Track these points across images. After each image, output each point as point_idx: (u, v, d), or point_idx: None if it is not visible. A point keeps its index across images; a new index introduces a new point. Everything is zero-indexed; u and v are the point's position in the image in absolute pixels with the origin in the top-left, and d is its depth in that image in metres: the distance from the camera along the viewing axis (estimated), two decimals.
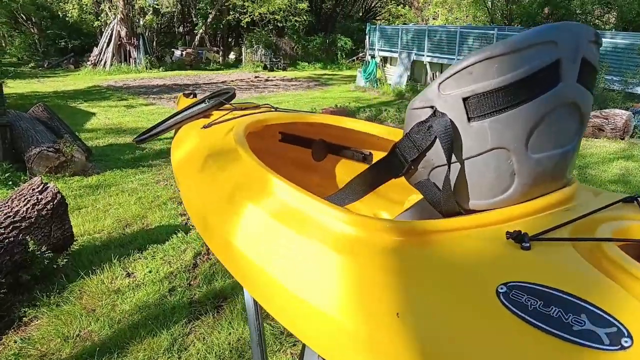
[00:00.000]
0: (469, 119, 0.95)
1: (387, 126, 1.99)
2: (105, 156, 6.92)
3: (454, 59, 14.06)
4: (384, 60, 17.69)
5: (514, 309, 0.72)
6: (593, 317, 0.68)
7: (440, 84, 0.97)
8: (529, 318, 0.70)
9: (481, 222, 0.94)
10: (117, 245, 3.83)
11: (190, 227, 4.27)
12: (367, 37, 18.70)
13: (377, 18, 32.94)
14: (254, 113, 1.99)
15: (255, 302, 1.66)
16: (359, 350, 0.83)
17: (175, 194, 5.19)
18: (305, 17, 25.30)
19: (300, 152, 2.20)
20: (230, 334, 2.72)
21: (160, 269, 3.46)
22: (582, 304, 0.70)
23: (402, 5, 29.91)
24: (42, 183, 3.44)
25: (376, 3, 34.51)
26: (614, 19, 17.67)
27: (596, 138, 7.89)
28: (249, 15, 24.26)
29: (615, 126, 7.73)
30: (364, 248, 0.94)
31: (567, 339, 0.66)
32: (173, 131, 2.22)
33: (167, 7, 22.66)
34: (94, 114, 10.83)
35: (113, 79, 18.49)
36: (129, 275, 3.37)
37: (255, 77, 21.60)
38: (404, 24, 25.38)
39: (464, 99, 0.95)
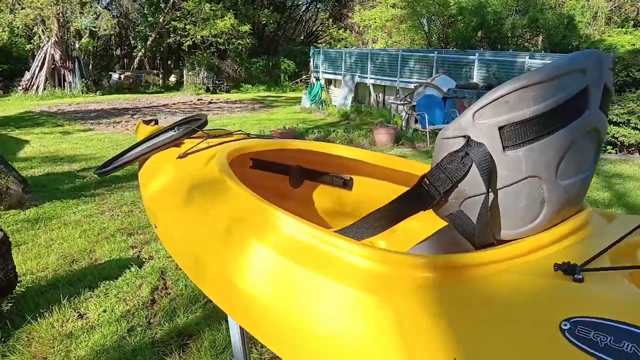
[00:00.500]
0: (503, 148, 0.92)
1: (366, 150, 1.94)
2: (43, 187, 6.49)
3: (396, 80, 14.43)
4: (328, 82, 17.91)
5: (584, 347, 0.67)
6: None
7: (475, 112, 0.93)
8: (602, 356, 0.66)
9: (515, 253, 0.90)
10: (65, 284, 3.54)
11: (143, 260, 4.04)
12: (311, 59, 18.91)
13: (319, 41, 33.48)
14: (230, 140, 1.88)
15: (244, 345, 1.53)
16: None
17: (124, 225, 4.91)
18: (248, 40, 25.30)
19: (275, 179, 2.10)
20: None
21: (115, 307, 3.21)
22: None
23: (343, 29, 30.57)
24: None
25: (318, 27, 35.12)
26: (541, 41, 18.81)
27: None
28: (191, 38, 23.98)
29: None
30: (399, 287, 0.86)
31: None
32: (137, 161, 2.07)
33: (105, 30, 21.97)
34: (27, 141, 10.21)
35: (46, 104, 17.63)
36: (81, 316, 3.11)
37: (198, 99, 21.27)
38: (345, 47, 25.91)
39: (500, 128, 0.91)
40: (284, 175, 2.09)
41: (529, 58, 11.48)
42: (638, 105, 7.81)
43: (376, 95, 15.40)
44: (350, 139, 10.15)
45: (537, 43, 18.98)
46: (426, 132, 9.60)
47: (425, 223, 1.53)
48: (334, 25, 32.46)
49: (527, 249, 0.91)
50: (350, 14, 29.71)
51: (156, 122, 2.56)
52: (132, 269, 3.76)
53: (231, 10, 24.71)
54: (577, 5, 18.72)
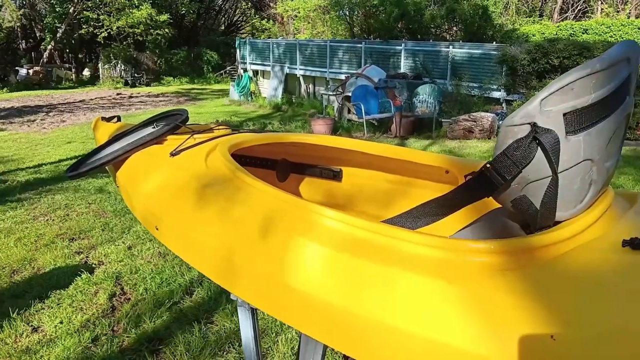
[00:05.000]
0: (566, 134, 0.96)
1: (354, 139, 1.94)
2: None
3: (325, 71, 14.53)
4: (256, 73, 17.70)
5: None
6: None
7: (542, 100, 0.96)
8: None
9: (574, 232, 0.94)
10: (10, 297, 3.26)
11: (93, 265, 3.81)
12: (237, 50, 18.56)
13: (241, 32, 32.92)
14: (218, 136, 1.81)
15: (256, 341, 1.49)
16: None
17: (63, 230, 4.59)
18: (167, 31, 24.36)
19: (262, 173, 2.06)
20: None
21: (72, 317, 3.01)
22: None
23: (265, 19, 30.23)
24: None
25: (239, 17, 34.49)
26: (459, 31, 19.66)
27: (467, 140, 8.67)
28: (106, 30, 22.70)
29: (483, 127, 8.58)
30: (475, 273, 0.88)
31: None
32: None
33: (10, 22, 20.20)
34: None
35: None
36: (35, 329, 2.88)
37: (117, 94, 20.27)
38: (269, 37, 25.68)
39: (564, 115, 0.95)
40: (271, 170, 2.05)
41: (452, 48, 11.97)
42: None
43: (306, 86, 15.42)
44: (287, 131, 10.11)
45: (455, 33, 19.83)
46: (363, 122, 9.76)
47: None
48: (256, 16, 32.05)
49: (581, 228, 0.97)
50: (272, 4, 29.46)
51: (119, 119, 2.40)
52: (83, 276, 3.53)
53: (148, 0, 23.65)
54: None
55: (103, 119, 2.42)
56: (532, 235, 0.96)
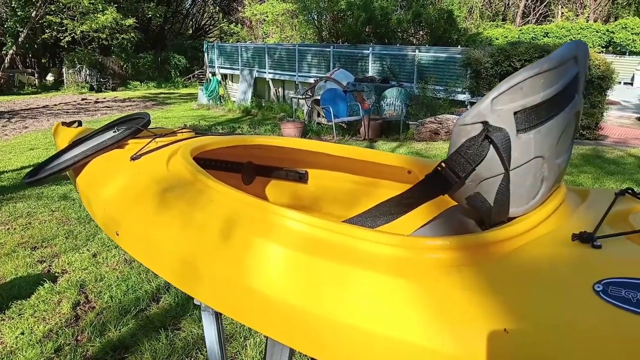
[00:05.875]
0: (517, 132, 0.99)
1: (319, 141, 1.95)
2: None
3: (294, 75, 14.55)
4: (225, 77, 17.59)
5: (620, 304, 0.76)
6: None
7: (493, 99, 0.99)
8: (637, 309, 0.74)
9: (527, 228, 0.98)
10: None
11: (56, 274, 3.72)
12: (205, 54, 18.41)
13: (209, 35, 32.64)
14: (181, 139, 1.80)
15: (221, 345, 1.49)
16: None
17: (25, 239, 4.46)
18: (133, 35, 23.96)
19: (227, 176, 2.05)
20: None
21: (34, 328, 2.93)
22: None
23: (234, 23, 30.07)
24: None
25: (207, 21, 34.19)
26: (426, 35, 20.01)
27: (434, 141, 8.82)
28: (69, 34, 22.17)
29: (449, 129, 8.72)
30: (430, 270, 0.90)
31: None
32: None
33: None
34: None
35: None
36: None
37: (82, 99, 19.83)
38: (238, 41, 25.55)
39: (515, 113, 0.98)
40: (237, 173, 2.04)
41: (419, 52, 12.16)
42: None
43: (276, 90, 15.41)
44: (257, 135, 10.07)
45: (421, 37, 20.16)
46: (332, 125, 9.81)
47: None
48: (224, 20, 31.84)
49: (534, 223, 1.00)
50: (240, 8, 29.33)
51: (80, 124, 2.36)
52: (46, 285, 3.44)
53: (112, 4, 23.20)
54: (454, 0, 20.17)
55: (64, 123, 2.38)
56: (486, 231, 0.99)
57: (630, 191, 1.13)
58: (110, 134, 1.87)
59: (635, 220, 0.98)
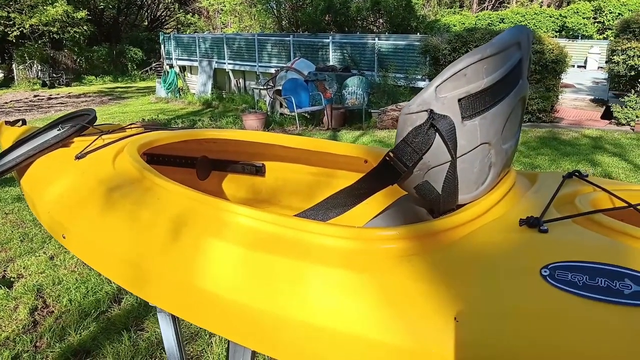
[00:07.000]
0: (462, 119, 0.98)
1: (276, 134, 1.92)
2: None
3: (255, 65, 14.38)
4: (184, 69, 17.23)
5: (567, 288, 0.76)
6: (636, 279, 0.76)
7: (437, 87, 0.98)
8: (583, 293, 0.75)
9: (475, 214, 0.98)
10: None
11: (12, 279, 3.57)
12: (162, 46, 17.97)
13: (165, 27, 31.85)
14: (128, 135, 1.73)
15: (179, 345, 1.45)
16: None
17: None
18: (86, 27, 23.14)
19: (180, 172, 2.00)
20: None
21: None
22: (621, 270, 0.77)
23: (190, 13, 29.43)
24: None
25: (162, 12, 33.32)
26: (384, 23, 20.08)
27: (396, 129, 8.87)
28: (18, 28, 21.23)
29: None
30: (380, 261, 0.89)
31: (624, 303, 0.73)
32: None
33: None
34: None
35: None
36: None
37: (35, 95, 19.09)
38: (195, 32, 25.04)
39: (459, 100, 0.97)
40: (191, 169, 1.99)
41: (379, 40, 12.20)
42: None
43: (236, 80, 15.20)
44: (219, 127, 9.92)
45: (381, 25, 20.23)
46: (295, 115, 9.75)
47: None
48: (181, 10, 31.12)
49: (483, 209, 1.00)
50: None
51: (24, 122, 2.26)
52: (1, 291, 3.31)
53: None
54: None
55: (7, 123, 2.27)
56: (436, 219, 0.98)
57: (577, 174, 1.14)
58: (54, 132, 1.79)
59: (581, 202, 0.99)
